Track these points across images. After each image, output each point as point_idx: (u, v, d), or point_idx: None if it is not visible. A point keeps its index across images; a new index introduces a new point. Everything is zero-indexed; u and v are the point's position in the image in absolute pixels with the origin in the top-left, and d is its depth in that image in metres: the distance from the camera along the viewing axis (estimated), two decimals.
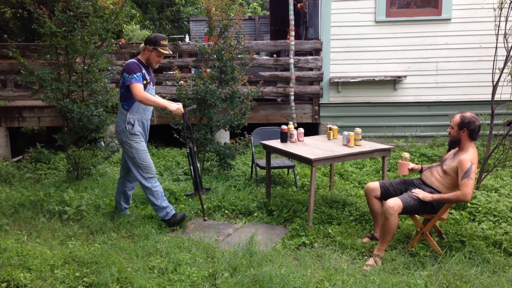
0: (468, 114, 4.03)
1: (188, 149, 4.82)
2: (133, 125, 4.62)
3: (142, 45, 4.64)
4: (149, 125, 4.85)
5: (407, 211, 4.05)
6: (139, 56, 4.67)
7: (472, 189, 3.87)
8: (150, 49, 4.56)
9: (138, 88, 4.43)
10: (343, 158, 4.98)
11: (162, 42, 4.57)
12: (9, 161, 7.63)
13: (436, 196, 4.00)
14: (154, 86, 4.84)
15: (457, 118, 4.05)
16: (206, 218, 5.02)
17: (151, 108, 4.78)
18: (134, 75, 4.44)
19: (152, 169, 4.70)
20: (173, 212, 4.79)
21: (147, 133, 4.83)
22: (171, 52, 4.68)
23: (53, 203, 5.11)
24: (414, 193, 4.07)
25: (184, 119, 4.84)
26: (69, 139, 6.20)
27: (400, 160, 4.41)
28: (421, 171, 4.44)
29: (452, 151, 4.17)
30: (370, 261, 3.99)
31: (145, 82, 4.55)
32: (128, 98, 4.57)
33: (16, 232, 4.54)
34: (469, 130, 3.98)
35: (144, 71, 4.57)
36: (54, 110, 6.35)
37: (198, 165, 4.93)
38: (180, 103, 4.72)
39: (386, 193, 4.32)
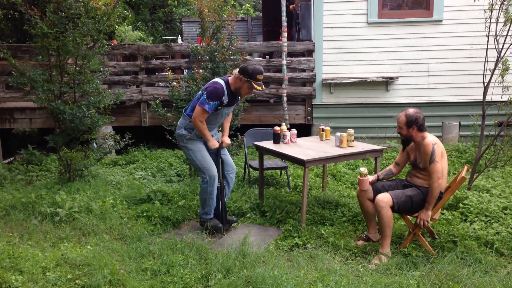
0: (411, 110, 4.16)
1: (219, 184, 4.75)
2: (191, 132, 4.63)
3: (236, 71, 4.48)
4: (215, 136, 4.85)
5: (400, 208, 4.07)
6: (230, 80, 4.53)
7: (440, 171, 3.96)
8: (244, 81, 4.41)
9: (200, 113, 4.43)
10: (336, 159, 4.99)
11: (258, 77, 4.39)
12: (0, 163, 7.57)
13: (428, 207, 4.03)
14: (233, 106, 4.78)
15: (403, 117, 4.16)
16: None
17: (216, 126, 4.84)
18: (210, 102, 4.40)
19: (209, 171, 4.64)
20: (211, 217, 4.82)
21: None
22: (264, 89, 4.53)
23: (45, 205, 5.08)
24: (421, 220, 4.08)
25: (217, 154, 4.77)
26: (61, 141, 6.17)
27: (359, 177, 4.39)
28: (378, 179, 4.47)
29: (413, 148, 4.27)
30: (376, 260, 4.00)
31: (219, 108, 4.51)
32: (194, 108, 4.57)
33: (7, 234, 4.50)
34: (417, 126, 4.10)
35: (225, 97, 4.47)
36: (46, 111, 6.32)
37: (226, 200, 4.91)
38: (218, 144, 4.68)
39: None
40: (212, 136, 4.70)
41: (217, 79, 4.57)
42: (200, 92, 4.58)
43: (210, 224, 4.76)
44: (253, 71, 4.37)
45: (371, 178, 4.43)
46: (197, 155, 4.66)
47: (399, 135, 4.32)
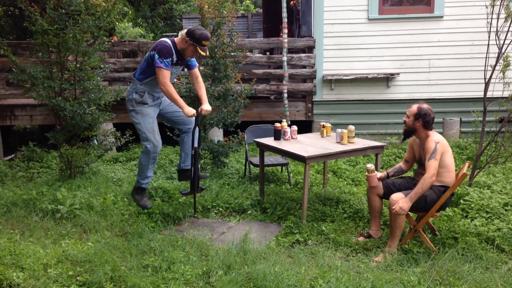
0: (425, 106, 4.18)
1: (193, 151, 4.78)
2: (142, 96, 4.61)
3: (183, 32, 4.49)
4: (161, 97, 4.80)
5: (413, 207, 4.06)
6: (176, 40, 4.54)
7: (436, 168, 3.99)
8: (190, 43, 4.43)
9: (164, 75, 4.40)
10: (337, 156, 4.99)
11: (203, 42, 4.42)
12: (1, 160, 7.58)
13: (412, 196, 4.00)
14: (182, 66, 4.76)
15: (415, 108, 4.19)
16: (195, 216, 5.03)
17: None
18: (164, 60, 4.38)
19: (153, 138, 4.63)
20: (146, 187, 4.84)
21: (158, 102, 4.78)
22: (208, 54, 4.54)
23: (46, 202, 5.08)
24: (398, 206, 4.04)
25: (196, 122, 4.77)
26: (62, 138, 6.17)
27: (366, 174, 4.39)
28: (388, 176, 4.47)
29: (418, 145, 4.27)
30: (379, 257, 4.00)
31: (173, 64, 4.50)
32: (146, 72, 4.56)
33: (8, 231, 4.51)
34: (424, 121, 4.12)
35: (174, 56, 4.48)
36: (46, 108, 6.31)
37: (199, 166, 4.90)
38: (194, 110, 4.62)
39: (388, 192, 4.30)
40: (166, 103, 4.75)
41: (163, 39, 4.57)
42: (147, 55, 4.56)
43: (140, 203, 4.79)
44: (200, 36, 4.40)
45: (379, 174, 4.43)
46: (144, 120, 4.64)
47: (403, 124, 4.31)
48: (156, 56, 4.40)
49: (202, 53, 4.47)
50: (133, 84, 4.67)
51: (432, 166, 3.98)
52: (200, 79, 4.85)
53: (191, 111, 4.52)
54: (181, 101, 4.53)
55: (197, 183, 4.89)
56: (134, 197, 4.88)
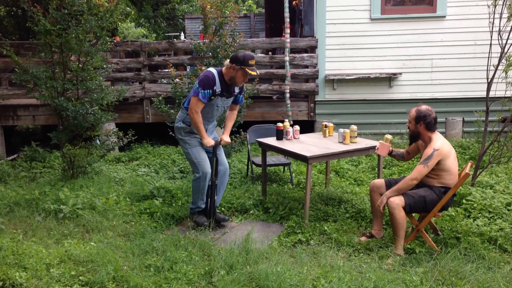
0: (423, 107, 4.14)
1: (210, 182, 4.72)
2: (189, 125, 4.62)
3: (227, 62, 4.45)
4: (212, 126, 4.84)
5: (412, 208, 4.07)
6: (223, 70, 4.50)
7: (422, 175, 4.01)
8: (237, 69, 4.36)
9: (197, 104, 4.40)
10: (339, 156, 4.99)
11: (250, 62, 4.35)
12: (4, 160, 7.60)
13: (394, 191, 4.09)
14: (231, 98, 4.69)
15: (413, 112, 4.16)
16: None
17: (212, 120, 4.79)
18: (203, 91, 4.37)
19: (202, 167, 4.61)
20: (199, 209, 4.82)
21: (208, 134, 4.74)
22: (258, 73, 4.47)
23: (49, 202, 5.09)
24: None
25: (213, 152, 4.74)
26: (64, 138, 6.18)
27: (381, 141, 4.40)
28: (391, 152, 4.50)
29: (421, 146, 4.28)
30: (390, 260, 4.00)
31: (213, 98, 4.47)
32: (188, 102, 4.58)
33: (11, 231, 4.52)
34: (425, 123, 4.08)
35: (217, 86, 4.44)
36: (49, 108, 6.32)
37: (216, 198, 4.85)
38: (213, 142, 4.62)
39: None
40: (208, 133, 4.68)
41: (209, 69, 4.55)
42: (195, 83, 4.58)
43: (195, 218, 4.78)
44: (244, 58, 4.34)
45: (391, 148, 4.45)
46: (193, 150, 4.65)
47: (407, 130, 4.33)
48: (197, 85, 4.43)
49: (253, 73, 4.39)
50: (181, 113, 4.69)
51: (418, 170, 4.01)
52: (235, 112, 4.91)
53: (210, 142, 4.56)
54: (203, 132, 4.54)
55: (213, 214, 4.82)
56: (192, 220, 4.84)
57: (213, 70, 4.48)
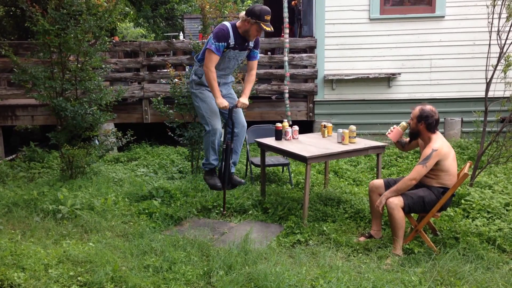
0: (428, 107, 4.13)
1: (225, 145, 4.72)
2: (200, 77, 4.59)
3: (243, 14, 4.40)
4: (225, 86, 4.75)
5: (411, 209, 4.07)
6: (238, 23, 4.46)
7: (421, 175, 4.01)
8: (252, 22, 4.32)
9: (211, 58, 4.37)
10: (338, 156, 4.99)
11: (266, 18, 4.30)
12: (3, 160, 7.59)
13: (392, 191, 4.09)
14: (244, 52, 4.62)
15: (417, 110, 4.16)
16: (224, 212, 5.05)
17: (230, 71, 4.70)
18: (217, 43, 4.35)
19: (211, 122, 4.56)
20: (208, 169, 4.80)
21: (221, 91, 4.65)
22: (272, 29, 4.41)
23: (47, 202, 5.08)
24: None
25: (229, 115, 4.66)
26: (63, 138, 6.17)
27: (397, 127, 4.40)
28: (402, 146, 4.55)
29: (421, 146, 4.29)
30: (389, 260, 4.00)
31: (226, 50, 4.43)
32: (202, 55, 4.55)
33: (9, 231, 4.51)
34: (426, 123, 4.08)
35: (232, 40, 4.42)
36: (48, 108, 6.31)
37: (231, 162, 4.82)
38: (227, 102, 4.54)
39: None
40: (222, 88, 4.64)
41: (223, 22, 4.53)
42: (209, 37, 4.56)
43: (208, 180, 4.77)
44: (261, 12, 4.30)
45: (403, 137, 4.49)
46: (203, 104, 4.61)
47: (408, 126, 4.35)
48: (211, 37, 4.39)
49: (267, 28, 4.35)
50: (194, 66, 4.67)
51: (416, 170, 4.01)
52: (253, 72, 4.77)
53: (223, 102, 4.48)
54: (216, 90, 4.48)
55: (228, 178, 4.81)
56: (204, 178, 4.86)
57: (227, 23, 4.48)
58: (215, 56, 4.38)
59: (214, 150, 4.70)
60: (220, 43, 4.36)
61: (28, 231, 4.52)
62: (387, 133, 4.49)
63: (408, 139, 4.51)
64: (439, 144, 4.01)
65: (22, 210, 5.03)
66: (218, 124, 4.59)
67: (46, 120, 8.57)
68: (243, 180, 4.88)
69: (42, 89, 6.03)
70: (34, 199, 5.24)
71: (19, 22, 13.89)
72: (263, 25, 4.33)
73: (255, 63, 4.78)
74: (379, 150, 5.12)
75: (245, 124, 4.83)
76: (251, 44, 4.63)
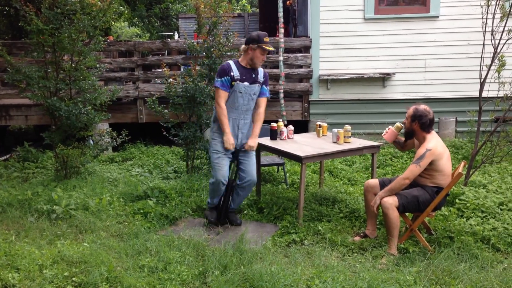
0: (422, 107, 4.14)
1: (226, 183, 4.69)
2: (216, 124, 4.69)
3: (243, 46, 4.56)
4: (246, 125, 4.73)
5: (405, 208, 4.08)
6: (240, 58, 4.63)
7: (414, 174, 4.01)
8: (254, 48, 4.46)
9: (220, 94, 4.52)
10: (333, 155, 4.99)
11: (265, 39, 4.48)
12: None
13: (387, 191, 4.10)
14: (255, 85, 4.63)
15: (411, 110, 4.18)
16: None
17: (246, 108, 4.67)
18: (219, 79, 4.51)
19: (216, 173, 4.59)
20: (213, 206, 4.86)
21: (240, 132, 4.70)
22: (274, 48, 4.59)
23: (41, 202, 5.06)
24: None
25: (233, 155, 4.70)
26: (57, 138, 6.15)
27: (392, 128, 4.41)
28: (401, 146, 4.57)
29: (416, 145, 4.29)
30: (383, 259, 4.00)
31: (233, 83, 4.52)
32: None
33: (4, 231, 4.49)
34: (420, 123, 4.09)
35: (235, 72, 4.51)
36: (42, 108, 6.28)
37: (232, 202, 4.86)
38: (233, 141, 4.58)
39: None
40: (239, 132, 4.68)
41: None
42: None
43: (206, 213, 4.87)
44: (259, 36, 4.48)
45: (399, 137, 4.50)
46: (212, 153, 4.68)
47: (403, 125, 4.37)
48: (215, 78, 4.54)
49: (269, 48, 4.48)
50: (214, 110, 4.76)
51: (410, 170, 4.02)
52: (261, 110, 4.76)
53: (229, 139, 4.54)
54: (226, 126, 4.55)
55: (224, 214, 4.84)
56: (204, 213, 5.01)
57: (229, 61, 4.63)
58: (223, 92, 4.51)
59: (218, 195, 4.76)
60: (223, 78, 4.49)
61: (22, 232, 4.50)
62: (382, 134, 4.51)
63: (402, 138, 4.53)
64: (433, 144, 4.02)
65: (16, 210, 5.01)
66: (222, 176, 4.58)
67: (40, 120, 8.53)
68: (239, 221, 4.88)
69: (36, 88, 6.00)
70: (28, 199, 5.22)
71: (13, 21, 13.82)
72: (265, 46, 4.46)
73: (263, 100, 4.77)
74: (374, 149, 5.12)
75: (255, 178, 4.74)
76: (260, 77, 4.67)
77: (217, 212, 4.87)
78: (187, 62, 8.16)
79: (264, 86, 4.72)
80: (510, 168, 6.45)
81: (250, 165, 4.72)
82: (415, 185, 4.18)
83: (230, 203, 4.84)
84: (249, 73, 4.58)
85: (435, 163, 4.00)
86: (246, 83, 4.56)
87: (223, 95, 4.51)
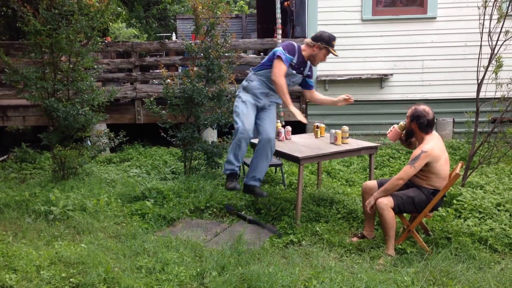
0: (421, 107, 4.12)
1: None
2: (249, 82, 4.65)
3: (309, 40, 4.54)
4: (270, 102, 4.75)
5: (401, 209, 4.08)
6: (302, 47, 4.59)
7: (408, 175, 4.00)
8: (321, 47, 4.50)
9: (281, 67, 4.43)
10: (331, 156, 5.00)
11: (333, 43, 4.53)
12: None
13: (381, 191, 4.10)
14: (298, 76, 4.70)
15: (411, 110, 4.17)
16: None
17: (274, 90, 4.67)
18: (287, 55, 4.44)
19: (241, 120, 4.44)
20: (229, 172, 4.62)
21: (258, 102, 4.66)
22: (337, 55, 4.67)
23: (39, 203, 5.05)
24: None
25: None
26: (55, 139, 6.14)
27: (396, 127, 4.39)
28: (408, 144, 4.53)
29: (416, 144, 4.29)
30: (381, 260, 4.01)
31: (291, 66, 4.53)
32: (263, 65, 4.64)
33: (1, 232, 4.48)
34: (417, 123, 4.08)
35: (296, 56, 4.53)
36: (39, 109, 6.27)
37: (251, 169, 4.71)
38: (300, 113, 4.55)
39: None
40: (262, 99, 4.66)
41: (290, 41, 4.65)
42: (270, 53, 4.61)
43: (229, 186, 4.59)
44: (329, 38, 4.51)
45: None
46: (240, 104, 4.57)
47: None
48: (280, 48, 4.46)
49: (335, 53, 4.55)
50: (249, 72, 4.75)
51: (404, 170, 4.01)
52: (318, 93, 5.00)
53: (297, 113, 4.50)
54: (288, 98, 4.50)
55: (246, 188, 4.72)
56: (225, 186, 4.72)
57: (296, 43, 4.59)
58: (284, 66, 4.45)
59: (236, 151, 4.50)
60: (289, 56, 4.47)
61: (19, 233, 4.49)
62: (387, 133, 4.50)
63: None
64: (430, 146, 4.00)
65: (14, 211, 5.00)
66: (248, 125, 4.44)
67: (37, 121, 8.52)
68: (265, 193, 4.73)
69: (34, 89, 5.99)
70: (25, 200, 5.21)
71: (10, 22, 13.79)
72: (332, 50, 4.52)
73: (314, 91, 4.98)
74: (372, 150, 5.13)
75: (271, 135, 4.62)
76: (306, 70, 4.73)
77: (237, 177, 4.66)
78: (185, 63, 8.15)
79: (309, 79, 4.81)
80: (508, 169, 6.46)
81: (268, 123, 4.69)
82: (411, 186, 4.18)
83: (251, 174, 4.68)
84: (302, 64, 4.63)
85: (431, 165, 3.99)
86: (294, 71, 4.61)
87: (284, 69, 4.44)
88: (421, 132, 4.11)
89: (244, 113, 4.49)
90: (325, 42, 4.48)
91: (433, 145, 4.02)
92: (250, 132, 4.44)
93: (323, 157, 4.87)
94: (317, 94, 5.00)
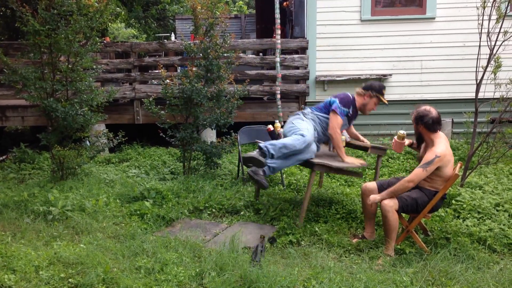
0: (421, 108, 4.11)
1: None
2: (306, 116, 4.89)
3: (360, 90, 4.81)
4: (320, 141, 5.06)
5: (405, 210, 4.08)
6: (356, 97, 4.85)
7: (420, 179, 3.98)
8: (373, 95, 4.74)
9: (338, 121, 4.71)
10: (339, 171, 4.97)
11: (383, 91, 4.75)
12: None
13: (386, 193, 4.07)
14: (347, 122, 4.99)
15: (414, 113, 4.17)
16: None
17: (326, 137, 5.00)
18: (343, 108, 4.71)
19: (308, 136, 4.55)
20: (262, 146, 4.60)
21: (318, 137, 4.92)
22: (388, 103, 4.94)
23: (38, 204, 5.05)
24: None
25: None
26: (54, 139, 6.13)
27: (395, 138, 4.39)
28: (412, 144, 4.53)
29: (423, 146, 4.24)
30: (380, 260, 4.00)
31: (346, 118, 4.86)
32: (320, 109, 4.91)
33: (0, 233, 4.47)
34: (423, 123, 4.05)
35: (351, 109, 4.80)
36: (38, 109, 6.26)
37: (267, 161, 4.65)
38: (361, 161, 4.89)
39: None
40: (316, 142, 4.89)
41: (347, 92, 4.91)
42: (327, 100, 4.85)
43: (258, 179, 4.55)
44: (380, 86, 4.78)
45: (406, 142, 4.47)
46: (305, 128, 4.65)
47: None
48: (337, 102, 4.70)
49: (385, 102, 4.80)
50: (312, 108, 5.02)
51: (416, 173, 3.97)
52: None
53: (355, 161, 4.81)
54: (343, 152, 4.76)
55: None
56: (252, 172, 4.66)
57: (351, 94, 4.86)
58: (341, 119, 4.72)
59: (286, 153, 4.52)
60: (345, 109, 4.71)
61: (18, 233, 4.49)
62: (392, 147, 4.53)
63: (410, 141, 4.55)
64: (443, 150, 3.95)
65: (13, 211, 5.00)
66: (311, 138, 4.58)
67: (36, 121, 8.51)
68: (266, 184, 4.65)
69: (33, 89, 5.98)
70: (24, 201, 5.20)
71: (9, 22, 13.77)
72: (382, 98, 4.77)
73: (351, 127, 5.34)
74: (381, 151, 5.29)
75: (313, 156, 4.73)
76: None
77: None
78: (184, 63, 8.15)
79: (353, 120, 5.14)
80: (506, 169, 6.47)
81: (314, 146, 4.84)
82: (414, 187, 4.17)
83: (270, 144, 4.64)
84: (355, 114, 4.92)
85: (440, 169, 3.96)
86: (346, 121, 4.89)
87: (341, 123, 4.75)
88: (429, 132, 4.06)
89: (306, 130, 4.64)
90: (376, 91, 4.74)
91: (445, 149, 3.98)
92: (312, 144, 4.63)
93: (335, 170, 4.78)
94: (353, 129, 5.39)
